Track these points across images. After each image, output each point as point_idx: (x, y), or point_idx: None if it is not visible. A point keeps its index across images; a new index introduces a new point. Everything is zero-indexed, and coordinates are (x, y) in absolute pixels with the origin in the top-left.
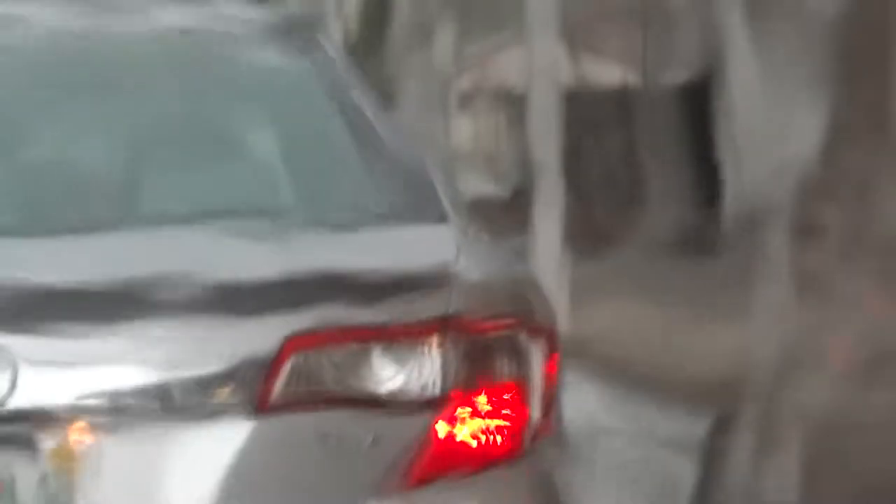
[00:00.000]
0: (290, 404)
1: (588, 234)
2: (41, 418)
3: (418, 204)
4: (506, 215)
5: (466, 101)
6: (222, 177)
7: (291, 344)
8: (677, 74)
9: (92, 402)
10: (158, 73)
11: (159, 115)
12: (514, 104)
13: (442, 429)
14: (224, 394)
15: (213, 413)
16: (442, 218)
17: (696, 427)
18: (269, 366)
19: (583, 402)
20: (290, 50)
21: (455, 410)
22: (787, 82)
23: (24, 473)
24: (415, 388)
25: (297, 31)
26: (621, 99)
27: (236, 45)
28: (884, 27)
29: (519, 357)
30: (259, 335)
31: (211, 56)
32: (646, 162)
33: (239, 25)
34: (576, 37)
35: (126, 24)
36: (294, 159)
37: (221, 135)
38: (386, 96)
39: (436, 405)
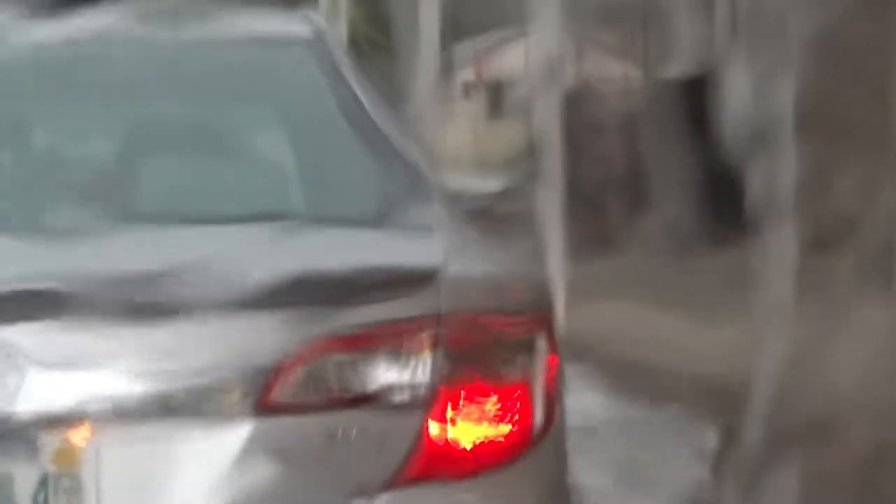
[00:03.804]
0: (291, 407)
1: (589, 234)
2: (43, 419)
3: (416, 203)
4: None
5: (466, 98)
6: (223, 179)
7: (295, 348)
8: (679, 72)
9: (95, 403)
10: (163, 77)
11: (165, 117)
12: (515, 102)
13: (441, 427)
14: (227, 396)
15: (214, 415)
16: (440, 216)
17: (697, 429)
18: (272, 369)
19: (583, 403)
20: (295, 53)
21: (455, 409)
22: (783, 84)
23: (25, 474)
24: (414, 387)
25: (303, 36)
26: (623, 97)
27: (242, 48)
28: (883, 30)
29: (518, 355)
30: (262, 339)
31: (218, 60)
32: (648, 161)
33: (246, 31)
34: (578, 34)
35: (133, 29)
36: (292, 162)
37: (223, 139)
38: (388, 93)
39: (435, 404)
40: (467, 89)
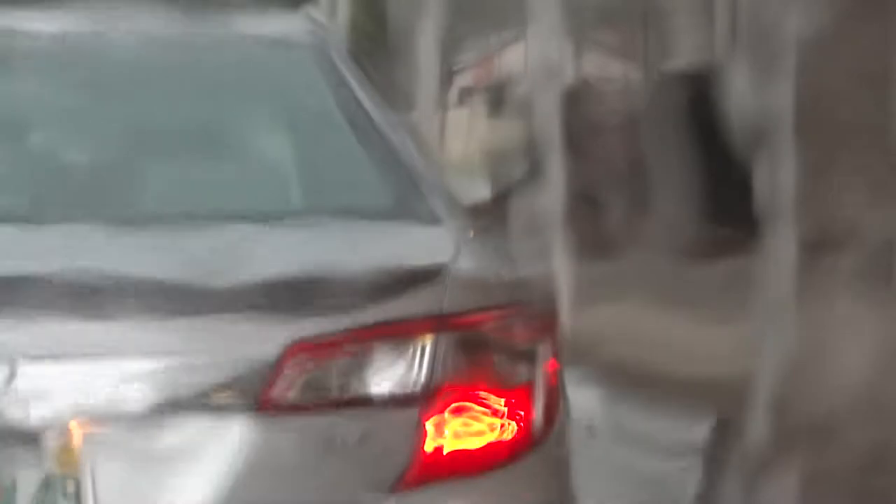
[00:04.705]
0: (290, 405)
1: (590, 235)
2: (42, 420)
3: (417, 204)
4: None
5: (465, 98)
6: (223, 178)
7: (294, 346)
8: (679, 72)
9: (94, 403)
10: (163, 76)
11: (168, 115)
12: (514, 102)
13: (442, 428)
14: (226, 394)
15: (214, 413)
16: (441, 218)
17: (698, 429)
18: (271, 367)
19: (584, 404)
20: (296, 53)
21: (456, 410)
22: (783, 85)
23: (27, 473)
24: (414, 387)
25: (305, 36)
26: (623, 97)
27: (245, 48)
28: (882, 31)
29: (520, 354)
30: (262, 337)
31: (221, 60)
32: (648, 161)
33: (248, 31)
34: (578, 34)
35: (135, 28)
36: (294, 160)
37: (225, 137)
38: (388, 93)
39: (437, 403)
40: (467, 89)
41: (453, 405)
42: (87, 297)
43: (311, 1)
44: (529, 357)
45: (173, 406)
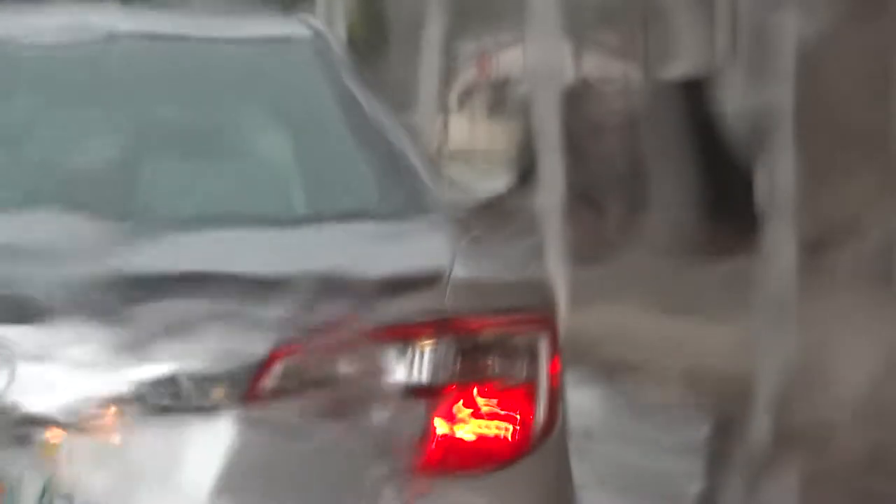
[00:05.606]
0: (285, 404)
1: (589, 235)
2: (41, 417)
3: (416, 205)
4: None
5: (465, 99)
6: (222, 178)
7: (287, 345)
8: (679, 73)
9: (92, 400)
10: (161, 77)
11: (166, 116)
12: (514, 103)
13: (441, 427)
14: (220, 393)
15: (208, 412)
16: (441, 220)
17: (697, 430)
18: (265, 366)
19: (583, 405)
20: (294, 55)
21: (455, 409)
22: (783, 87)
23: (27, 472)
24: (415, 389)
25: (303, 37)
26: (623, 97)
27: (244, 49)
28: (881, 34)
29: (521, 355)
30: (255, 335)
31: (220, 61)
32: (648, 161)
33: (246, 33)
34: (578, 34)
35: (134, 29)
36: (293, 162)
37: (225, 138)
38: (387, 95)
39: (436, 403)
40: (467, 90)
41: (453, 407)
42: (83, 299)
43: (309, 2)
44: (530, 359)
45: (167, 403)
